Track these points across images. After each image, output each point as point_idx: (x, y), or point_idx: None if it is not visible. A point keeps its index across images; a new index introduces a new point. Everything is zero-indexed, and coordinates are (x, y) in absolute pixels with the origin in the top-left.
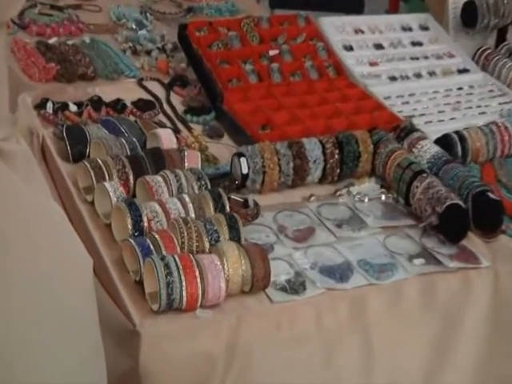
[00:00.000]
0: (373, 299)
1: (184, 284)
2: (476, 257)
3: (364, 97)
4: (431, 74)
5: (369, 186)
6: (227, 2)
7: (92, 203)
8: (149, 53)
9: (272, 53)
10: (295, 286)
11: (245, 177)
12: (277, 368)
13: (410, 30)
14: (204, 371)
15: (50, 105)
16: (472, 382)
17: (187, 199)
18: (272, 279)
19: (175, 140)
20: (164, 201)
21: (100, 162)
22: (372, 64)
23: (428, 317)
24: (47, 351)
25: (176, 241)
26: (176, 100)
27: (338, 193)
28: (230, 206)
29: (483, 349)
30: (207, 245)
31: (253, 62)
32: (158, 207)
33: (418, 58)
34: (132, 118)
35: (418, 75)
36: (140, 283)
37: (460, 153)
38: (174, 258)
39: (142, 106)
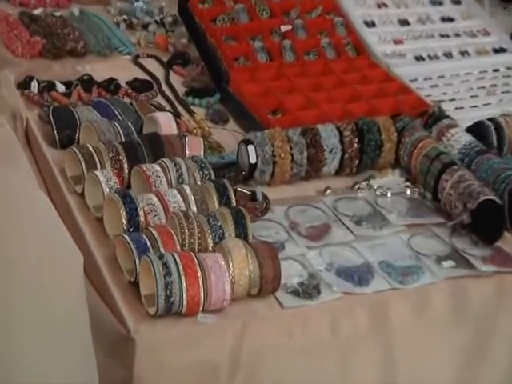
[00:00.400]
0: (395, 306)
1: (184, 285)
2: None
3: (387, 79)
4: (463, 53)
5: (392, 178)
6: None
7: (82, 194)
8: (146, 27)
9: (284, 28)
10: (308, 290)
11: (253, 167)
12: (286, 380)
13: (440, 3)
14: (205, 383)
15: (34, 84)
16: None
17: (188, 191)
18: (283, 281)
19: (175, 125)
20: (162, 192)
21: (91, 148)
22: (396, 42)
23: (458, 326)
24: (37, 352)
25: (176, 237)
26: (176, 80)
27: (357, 186)
28: (236, 200)
29: None
30: (210, 242)
31: (262, 38)
32: (155, 199)
33: (448, 36)
34: (127, 100)
35: (449, 55)
36: (135, 284)
37: (495, 142)
38: (174, 257)
39: (137, 86)
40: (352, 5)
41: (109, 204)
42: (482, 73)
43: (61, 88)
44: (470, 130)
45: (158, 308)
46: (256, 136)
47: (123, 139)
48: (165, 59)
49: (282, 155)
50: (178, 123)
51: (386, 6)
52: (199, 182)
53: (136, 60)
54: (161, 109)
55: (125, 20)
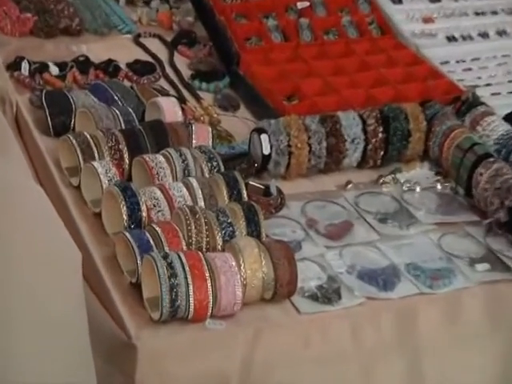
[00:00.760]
0: (424, 312)
1: (191, 288)
2: None
3: (415, 61)
4: (501, 33)
5: (420, 172)
6: None
7: (78, 187)
8: (148, 3)
9: (301, 5)
10: (328, 294)
11: (266, 158)
12: None
13: None
14: None
15: (25, 65)
16: None
17: (195, 184)
18: (299, 285)
19: (180, 111)
20: (167, 186)
21: (88, 136)
22: (426, 20)
23: (492, 335)
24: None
25: (181, 235)
26: (181, 62)
27: (382, 180)
28: (247, 194)
29: None
30: (220, 241)
31: (276, 16)
32: (159, 193)
33: (484, 13)
34: (127, 84)
35: (484, 35)
36: (137, 286)
37: None
38: (179, 256)
39: (139, 68)
40: None
41: (108, 198)
42: None
43: (54, 70)
44: (507, 118)
45: (162, 313)
46: (270, 124)
47: (123, 126)
48: (169, 39)
49: (299, 145)
50: (183, 109)
51: None
52: (207, 175)
53: (137, 39)
54: (164, 93)
55: None
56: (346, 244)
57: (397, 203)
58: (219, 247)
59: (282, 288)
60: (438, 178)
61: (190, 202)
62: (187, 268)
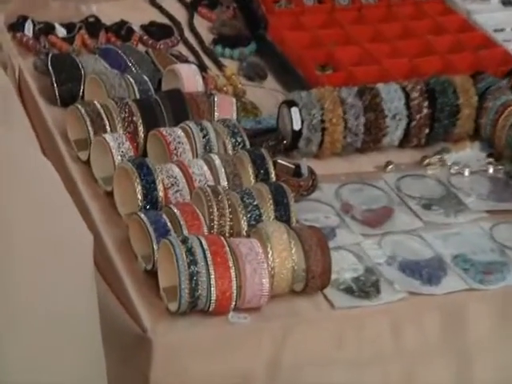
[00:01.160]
0: (474, 310)
1: (213, 277)
2: None
3: (466, 28)
4: None
5: (470, 153)
6: None
7: (87, 163)
8: None
9: None
10: (365, 288)
11: (297, 134)
12: None
13: None
14: None
15: (29, 26)
16: None
17: (217, 162)
18: (333, 276)
19: (201, 80)
20: (186, 163)
21: (98, 106)
22: None
23: None
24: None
25: (202, 218)
26: (202, 25)
27: (427, 161)
28: (275, 174)
29: None
30: (245, 225)
31: None
32: (177, 171)
33: None
34: (141, 48)
35: None
36: (152, 274)
37: None
38: (200, 241)
39: (154, 31)
40: None
41: (120, 175)
42: None
43: (61, 32)
44: None
45: (181, 304)
46: (301, 96)
47: (138, 96)
48: None
49: (334, 120)
50: (204, 78)
51: None
52: (231, 152)
53: None
54: (183, 60)
55: None
56: (385, 232)
57: (443, 188)
58: (244, 232)
59: (313, 279)
60: (490, 160)
61: (211, 182)
62: (209, 254)
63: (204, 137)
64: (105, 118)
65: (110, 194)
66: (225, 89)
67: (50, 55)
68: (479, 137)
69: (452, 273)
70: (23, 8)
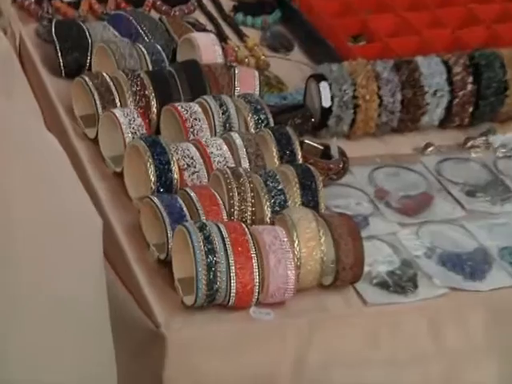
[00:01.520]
0: None
1: (233, 268)
2: None
3: None
4: None
5: None
6: None
7: (95, 141)
8: None
9: None
10: (401, 282)
11: (326, 112)
12: None
13: None
14: None
15: None
16: None
17: (238, 141)
18: (366, 269)
19: (220, 51)
20: (203, 142)
21: (107, 78)
22: None
23: None
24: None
25: (221, 203)
26: None
27: (471, 143)
28: (302, 155)
29: None
30: (268, 211)
31: None
32: (194, 151)
33: None
34: (155, 15)
35: None
36: (166, 264)
37: None
38: (219, 228)
39: None
40: None
41: (131, 155)
42: None
43: None
44: None
45: (197, 297)
46: (331, 70)
47: (150, 68)
48: None
49: (367, 97)
50: (223, 49)
51: None
52: (253, 130)
53: None
54: (200, 28)
55: None
56: (424, 221)
57: (489, 173)
58: (267, 219)
59: (344, 272)
60: None
61: (231, 163)
62: (229, 243)
63: (223, 113)
64: (114, 92)
65: (119, 176)
66: (246, 61)
67: (54, 21)
68: None
69: (498, 267)
70: None
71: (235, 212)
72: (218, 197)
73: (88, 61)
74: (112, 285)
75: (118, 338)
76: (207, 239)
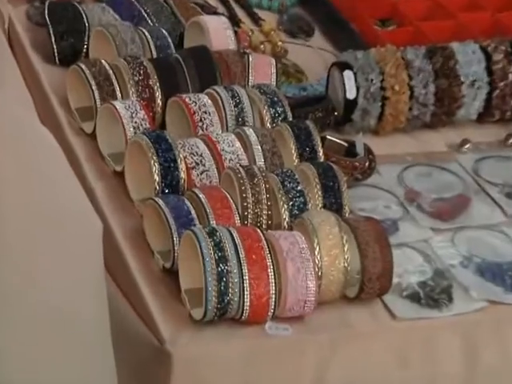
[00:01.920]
0: None
1: (247, 278)
2: None
3: None
4: None
5: None
6: None
7: (92, 136)
8: None
9: None
10: (434, 295)
11: (351, 104)
12: None
13: None
14: None
15: None
16: None
17: (253, 137)
18: (395, 280)
19: (233, 36)
20: (214, 137)
21: (107, 66)
22: None
23: None
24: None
25: (234, 206)
26: None
27: None
28: (324, 153)
29: None
30: (286, 215)
31: None
32: (203, 147)
33: None
34: None
35: None
36: (172, 273)
37: None
38: (231, 234)
39: None
40: None
41: (133, 152)
42: None
43: None
44: None
45: (207, 310)
46: (356, 57)
47: (155, 54)
48: None
49: (396, 88)
50: (236, 34)
51: None
52: (269, 124)
53: None
54: (211, 11)
55: None
56: (460, 226)
57: None
58: (285, 224)
59: (370, 283)
60: None
61: (245, 161)
62: (242, 250)
63: (236, 106)
64: (114, 82)
65: (119, 175)
66: (262, 47)
67: (47, 2)
68: None
69: None
70: None
71: (249, 216)
72: (230, 199)
73: (85, 47)
74: (112, 297)
75: (119, 354)
76: (218, 246)
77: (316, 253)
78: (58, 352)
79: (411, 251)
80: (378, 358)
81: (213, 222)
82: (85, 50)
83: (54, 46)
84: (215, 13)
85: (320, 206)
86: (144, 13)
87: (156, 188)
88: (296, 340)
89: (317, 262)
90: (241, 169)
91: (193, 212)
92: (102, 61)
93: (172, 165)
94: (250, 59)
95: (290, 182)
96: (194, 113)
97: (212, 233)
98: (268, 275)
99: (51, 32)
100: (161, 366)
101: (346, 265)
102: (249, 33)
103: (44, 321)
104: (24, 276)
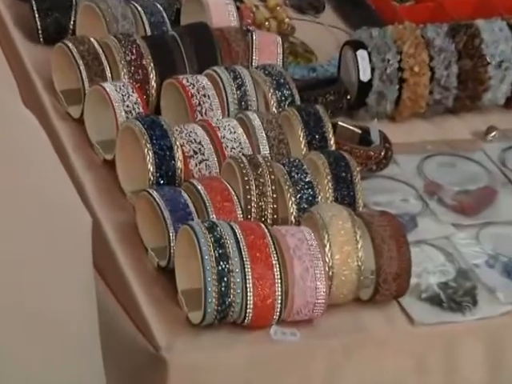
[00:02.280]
0: None
1: (250, 278)
2: None
3: None
4: None
5: None
6: None
7: (80, 121)
8: None
9: None
10: (457, 297)
11: (365, 87)
12: None
13: None
14: None
15: None
16: None
17: (257, 122)
18: (413, 281)
19: (235, 12)
20: (214, 123)
21: (96, 44)
22: None
23: None
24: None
25: (236, 198)
26: None
27: None
28: (335, 141)
29: None
30: (293, 209)
31: None
32: (201, 134)
33: None
34: None
35: None
36: (168, 272)
37: None
38: (233, 229)
39: None
40: None
41: (125, 139)
42: None
43: None
44: None
45: (206, 313)
46: (371, 35)
47: (149, 32)
48: None
49: (416, 69)
50: (239, 9)
51: None
52: (274, 109)
53: None
54: None
55: None
56: (485, 222)
57: None
58: (292, 218)
59: (386, 284)
60: None
61: (248, 150)
62: (244, 247)
63: (238, 88)
64: (104, 61)
65: (110, 164)
66: (266, 24)
67: None
68: None
69: None
70: None
71: (252, 209)
72: (232, 191)
73: (71, 23)
74: (101, 298)
75: (110, 360)
76: (218, 242)
77: (326, 250)
78: (44, 353)
79: (431, 249)
80: (394, 367)
81: (213, 216)
82: (71, 27)
83: (38, 23)
84: None
85: (331, 199)
86: None
87: (150, 179)
88: (304, 346)
89: (327, 260)
90: (243, 158)
91: (190, 205)
92: (91, 38)
93: (168, 153)
94: (254, 37)
95: (297, 173)
96: (192, 96)
97: (212, 228)
98: (273, 275)
99: (34, 7)
100: (156, 374)
101: (359, 263)
102: (252, 8)
103: (28, 321)
104: (5, 276)
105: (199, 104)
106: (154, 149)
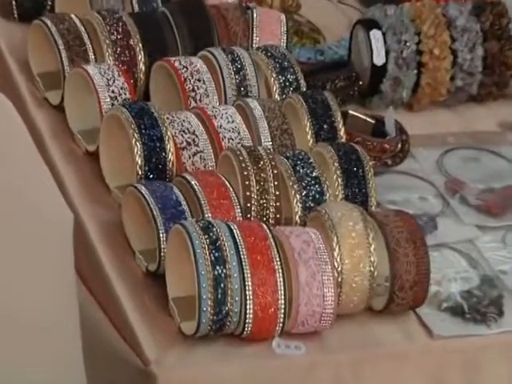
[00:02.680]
0: None
1: (250, 284)
2: None
3: None
4: None
5: None
6: None
7: (59, 108)
8: None
9: None
10: (481, 307)
11: (379, 72)
12: None
13: None
14: None
15: None
16: None
17: (257, 110)
18: (433, 289)
19: None
20: (209, 111)
21: (78, 22)
22: None
23: None
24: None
25: (234, 195)
26: None
27: None
28: (346, 131)
29: None
30: (298, 207)
31: None
32: (196, 123)
33: None
34: None
35: None
36: (158, 278)
37: None
38: (231, 230)
39: None
40: None
41: (110, 128)
42: None
43: None
44: None
45: (200, 323)
46: (386, 14)
47: (136, 9)
48: None
49: (436, 52)
50: None
51: None
52: (278, 96)
53: None
54: None
55: None
56: None
57: None
58: (297, 218)
59: (402, 293)
60: None
61: (248, 141)
62: (244, 250)
63: (237, 72)
64: (86, 41)
65: (93, 157)
66: (269, 0)
67: None
68: None
69: None
70: None
71: (253, 208)
72: (230, 186)
73: None
74: (84, 307)
75: (94, 374)
76: (214, 244)
77: (335, 254)
78: (23, 357)
79: (453, 253)
80: (413, 383)
81: (208, 215)
82: (50, 3)
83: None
84: None
85: (340, 196)
86: None
87: (138, 172)
88: (310, 361)
89: (336, 265)
90: (243, 150)
91: (183, 202)
92: (72, 16)
93: (158, 144)
94: (255, 15)
95: (303, 167)
96: (185, 80)
97: (207, 228)
98: (276, 281)
99: None
100: None
101: (371, 269)
102: None
103: (5, 326)
104: None
105: (193, 89)
106: (142, 139)
